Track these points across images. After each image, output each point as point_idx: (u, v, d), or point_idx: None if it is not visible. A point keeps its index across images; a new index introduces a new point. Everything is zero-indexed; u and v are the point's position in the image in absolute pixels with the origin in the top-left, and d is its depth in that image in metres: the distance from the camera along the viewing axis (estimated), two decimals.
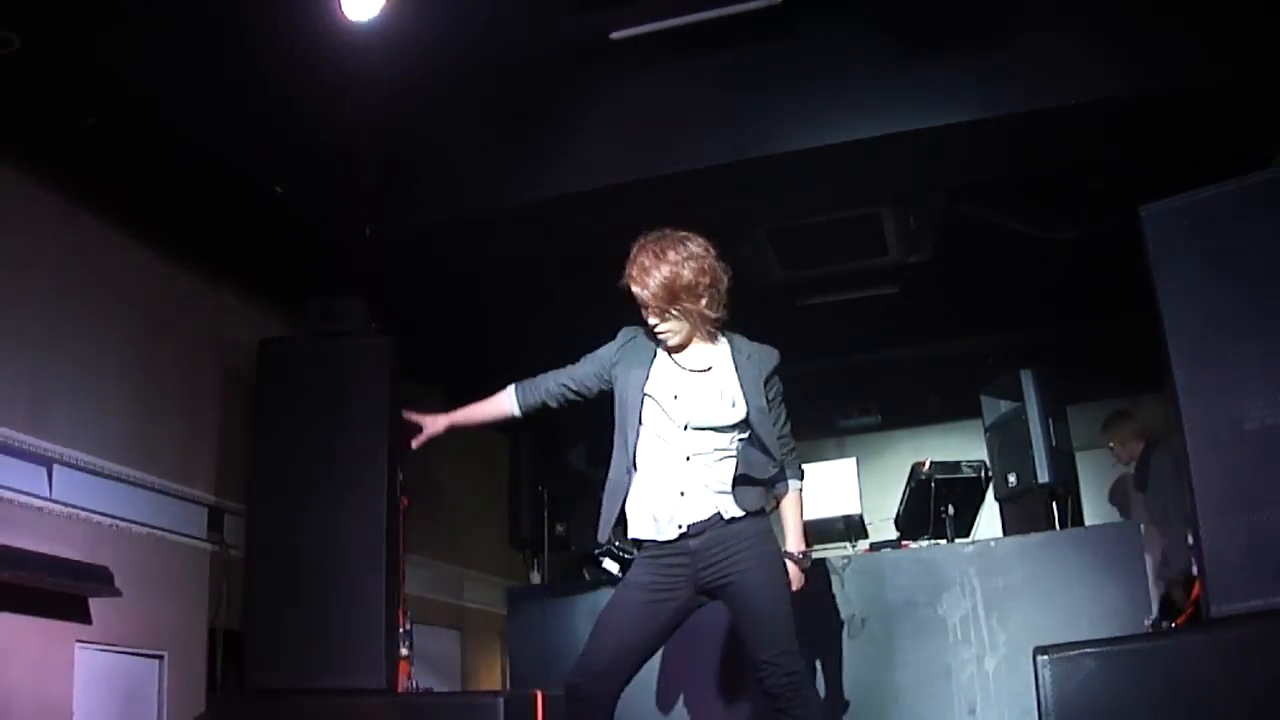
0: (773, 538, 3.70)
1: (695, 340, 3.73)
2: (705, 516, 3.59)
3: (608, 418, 3.81)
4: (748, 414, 3.66)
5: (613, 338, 3.86)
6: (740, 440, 3.68)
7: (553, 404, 3.92)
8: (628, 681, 3.60)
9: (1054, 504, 5.51)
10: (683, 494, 3.60)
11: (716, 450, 3.64)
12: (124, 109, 4.45)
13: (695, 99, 5.12)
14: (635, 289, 3.62)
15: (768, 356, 3.79)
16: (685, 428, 3.62)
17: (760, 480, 3.70)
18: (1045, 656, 4.03)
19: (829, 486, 5.92)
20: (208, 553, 5.39)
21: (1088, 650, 4.04)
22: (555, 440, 6.98)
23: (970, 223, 6.11)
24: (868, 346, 7.93)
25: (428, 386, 7.29)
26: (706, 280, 3.60)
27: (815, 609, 4.88)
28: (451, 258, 5.96)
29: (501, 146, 5.32)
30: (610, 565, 6.08)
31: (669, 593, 3.62)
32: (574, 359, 3.90)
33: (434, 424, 3.97)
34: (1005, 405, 5.82)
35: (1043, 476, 5.44)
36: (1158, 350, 4.30)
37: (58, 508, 4.55)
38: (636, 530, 3.67)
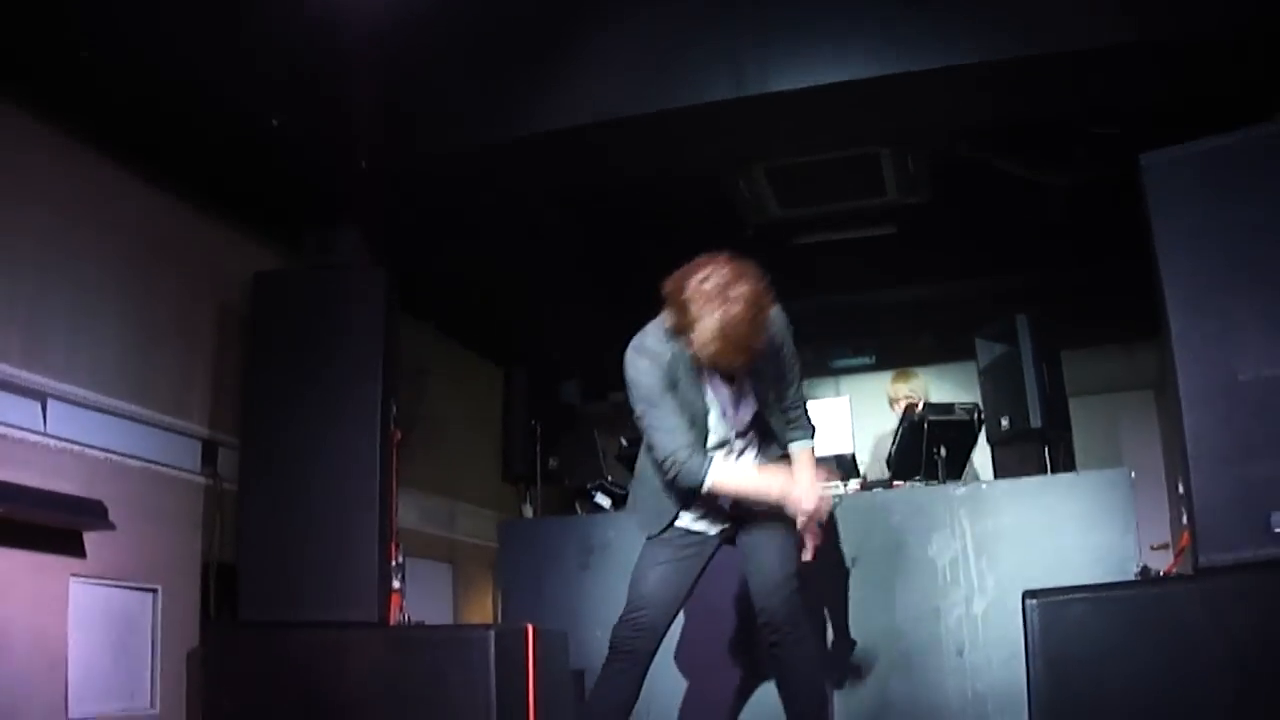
0: None
1: None
2: None
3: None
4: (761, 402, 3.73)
5: (621, 342, 3.66)
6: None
7: None
8: (664, 634, 3.78)
9: (1046, 448, 5.53)
10: None
11: (757, 441, 3.80)
12: (118, 42, 4.39)
13: (696, 35, 5.04)
14: (728, 353, 3.34)
15: (775, 329, 3.61)
16: (736, 436, 3.72)
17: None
18: (1034, 600, 4.06)
19: (823, 425, 5.92)
20: (202, 486, 5.40)
21: (1076, 595, 4.07)
22: (548, 374, 6.99)
23: (969, 166, 6.07)
24: (864, 286, 7.93)
25: (422, 320, 7.28)
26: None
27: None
28: (448, 190, 5.90)
29: (500, 79, 5.25)
30: (602, 500, 6.12)
31: (695, 546, 3.79)
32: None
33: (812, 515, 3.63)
34: (1000, 349, 5.82)
35: (1035, 420, 5.45)
36: (1154, 298, 4.30)
37: (52, 442, 4.55)
38: (684, 525, 3.78)
